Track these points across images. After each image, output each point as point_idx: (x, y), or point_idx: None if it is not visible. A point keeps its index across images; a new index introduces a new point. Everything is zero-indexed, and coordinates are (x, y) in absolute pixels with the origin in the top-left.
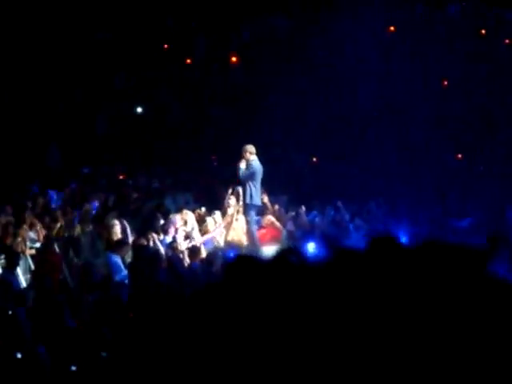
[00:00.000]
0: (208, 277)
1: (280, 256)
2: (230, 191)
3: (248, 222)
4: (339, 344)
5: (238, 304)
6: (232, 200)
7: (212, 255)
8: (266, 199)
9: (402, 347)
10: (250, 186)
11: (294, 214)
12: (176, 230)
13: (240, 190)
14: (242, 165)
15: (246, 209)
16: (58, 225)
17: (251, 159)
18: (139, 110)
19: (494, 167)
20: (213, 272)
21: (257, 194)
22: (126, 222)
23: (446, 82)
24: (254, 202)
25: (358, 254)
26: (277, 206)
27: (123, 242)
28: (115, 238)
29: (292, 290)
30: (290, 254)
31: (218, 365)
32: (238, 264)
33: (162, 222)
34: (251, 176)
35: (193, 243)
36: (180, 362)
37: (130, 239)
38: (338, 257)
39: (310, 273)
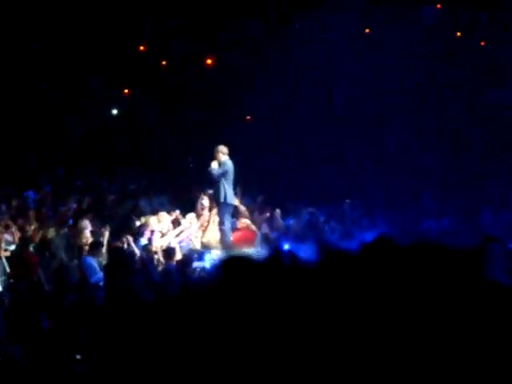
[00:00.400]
0: (183, 278)
1: (273, 257)
2: (202, 193)
3: (220, 223)
4: (335, 345)
5: (229, 305)
6: (205, 201)
7: (187, 256)
8: (237, 202)
9: (396, 347)
10: (223, 186)
11: (268, 215)
12: (151, 232)
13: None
14: (215, 165)
15: (220, 208)
16: (33, 227)
17: (223, 159)
18: (115, 111)
19: (469, 168)
20: (188, 273)
21: (230, 193)
22: (100, 225)
23: (420, 84)
24: (228, 201)
25: (351, 256)
26: (244, 208)
27: (98, 244)
28: (85, 241)
29: (285, 292)
30: (283, 256)
31: (203, 366)
32: (230, 265)
33: (137, 224)
34: (224, 175)
35: (168, 244)
36: (158, 363)
37: (105, 241)
38: (330, 258)
39: (303, 274)
